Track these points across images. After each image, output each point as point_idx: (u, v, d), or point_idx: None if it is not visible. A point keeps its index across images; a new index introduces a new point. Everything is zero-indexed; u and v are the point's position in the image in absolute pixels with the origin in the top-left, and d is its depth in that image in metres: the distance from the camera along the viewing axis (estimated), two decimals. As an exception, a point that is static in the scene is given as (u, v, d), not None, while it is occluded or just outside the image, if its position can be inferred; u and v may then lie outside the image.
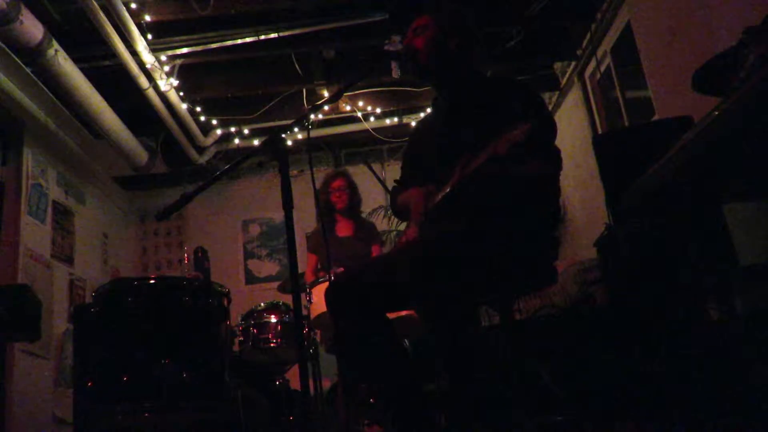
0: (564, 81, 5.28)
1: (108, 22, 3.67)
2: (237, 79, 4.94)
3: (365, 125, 5.48)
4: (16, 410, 3.94)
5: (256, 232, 6.35)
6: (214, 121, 5.29)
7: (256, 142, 5.57)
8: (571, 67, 5.06)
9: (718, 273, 2.16)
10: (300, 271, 3.68)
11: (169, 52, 4.27)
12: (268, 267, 6.25)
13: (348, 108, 5.35)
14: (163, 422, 2.44)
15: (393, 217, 5.08)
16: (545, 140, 1.81)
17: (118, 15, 3.65)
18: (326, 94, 5.00)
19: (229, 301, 2.86)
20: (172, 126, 4.91)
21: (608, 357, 2.74)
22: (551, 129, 1.87)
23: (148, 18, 3.96)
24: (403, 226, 3.94)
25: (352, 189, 4.01)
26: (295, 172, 5.94)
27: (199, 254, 3.29)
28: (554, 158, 1.83)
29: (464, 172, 1.74)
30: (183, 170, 5.90)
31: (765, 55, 1.52)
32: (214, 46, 4.27)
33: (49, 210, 4.71)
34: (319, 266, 4.03)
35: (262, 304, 3.50)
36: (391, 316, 1.83)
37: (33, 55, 3.64)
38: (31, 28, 3.46)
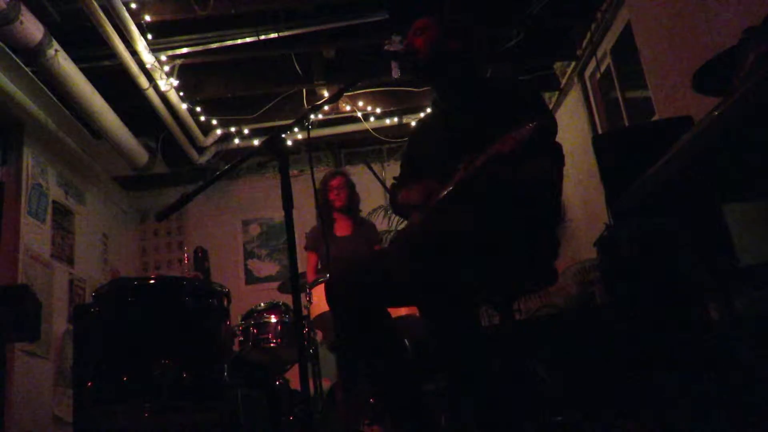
0: (564, 81, 5.28)
1: (108, 22, 3.67)
2: (237, 79, 4.94)
3: (365, 125, 5.48)
4: (16, 410, 3.94)
5: (256, 232, 6.34)
6: (214, 121, 5.30)
7: (256, 142, 5.57)
8: (571, 67, 5.06)
9: (718, 273, 2.15)
10: (300, 270, 3.69)
11: (169, 52, 4.27)
12: (268, 267, 6.24)
13: (348, 108, 5.35)
14: (163, 422, 2.44)
15: (393, 217, 5.08)
16: (547, 138, 1.81)
17: (118, 15, 3.65)
18: (326, 94, 5.00)
19: (229, 301, 2.86)
20: (172, 126, 4.92)
21: (608, 357, 2.75)
22: (552, 127, 1.88)
23: (148, 18, 3.96)
24: (402, 226, 3.94)
25: (350, 188, 4.02)
26: (295, 172, 5.94)
27: (199, 254, 3.29)
28: (556, 155, 1.83)
29: (468, 171, 1.74)
30: (183, 170, 5.90)
31: (765, 55, 1.52)
32: (214, 46, 4.28)
33: (49, 210, 4.71)
34: (319, 266, 4.03)
35: (262, 304, 3.50)
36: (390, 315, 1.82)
37: (33, 55, 3.64)
38: (31, 28, 3.47)
